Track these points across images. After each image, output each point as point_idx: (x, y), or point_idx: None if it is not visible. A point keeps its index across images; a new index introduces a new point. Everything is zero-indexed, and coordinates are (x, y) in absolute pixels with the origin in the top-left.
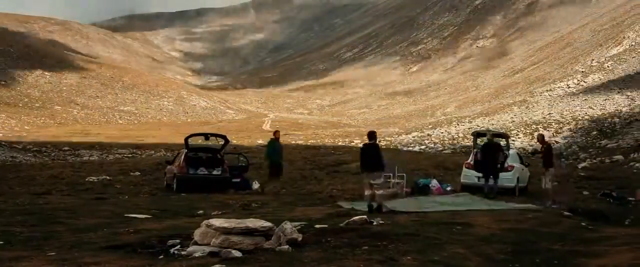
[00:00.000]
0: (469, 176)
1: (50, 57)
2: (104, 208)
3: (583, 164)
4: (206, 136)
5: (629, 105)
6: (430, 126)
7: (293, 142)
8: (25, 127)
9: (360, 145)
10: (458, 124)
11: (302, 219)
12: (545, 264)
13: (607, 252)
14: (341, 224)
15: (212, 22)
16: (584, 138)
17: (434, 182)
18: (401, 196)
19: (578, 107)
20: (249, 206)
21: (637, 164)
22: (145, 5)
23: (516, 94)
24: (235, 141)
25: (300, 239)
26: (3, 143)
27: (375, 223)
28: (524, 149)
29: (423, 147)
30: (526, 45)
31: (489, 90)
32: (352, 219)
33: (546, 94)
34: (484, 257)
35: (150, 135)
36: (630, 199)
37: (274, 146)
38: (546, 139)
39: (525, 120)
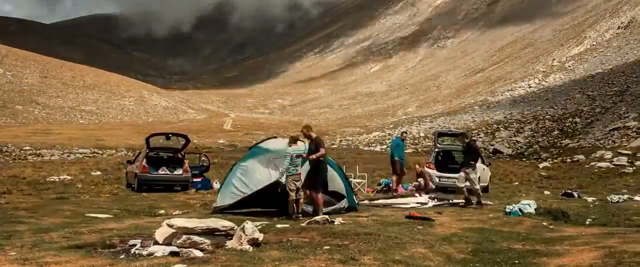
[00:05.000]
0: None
1: (11, 56)
2: (65, 208)
3: (544, 164)
4: (167, 135)
5: (590, 105)
6: (391, 126)
7: (254, 142)
8: None
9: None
10: (419, 124)
11: (263, 219)
12: (506, 264)
13: (567, 251)
14: (302, 224)
15: (174, 22)
16: (545, 138)
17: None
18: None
19: (539, 107)
20: (210, 206)
21: (598, 164)
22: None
23: (477, 94)
24: (196, 141)
25: (261, 238)
26: None
27: (336, 223)
28: (485, 149)
29: (384, 146)
30: (487, 44)
31: (450, 90)
32: (313, 219)
33: (507, 93)
34: (444, 257)
35: (112, 134)
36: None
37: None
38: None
39: (487, 120)
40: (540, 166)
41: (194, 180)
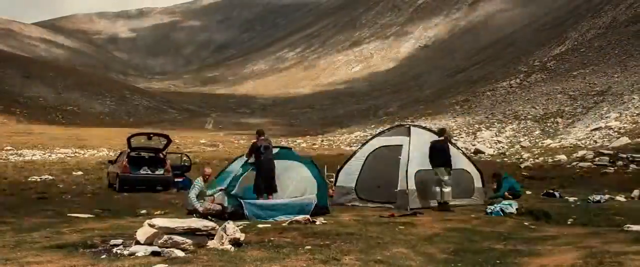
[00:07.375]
0: None
1: None
2: (46, 208)
3: (526, 164)
4: (149, 135)
5: (572, 105)
6: (372, 126)
7: (236, 142)
8: None
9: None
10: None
11: (244, 219)
12: (488, 264)
13: (549, 251)
14: (284, 224)
15: (155, 22)
16: (526, 138)
17: None
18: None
19: (520, 107)
20: None
21: (579, 164)
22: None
23: (459, 94)
24: (178, 141)
25: (242, 238)
26: None
27: (318, 223)
28: (466, 149)
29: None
30: (469, 44)
31: (432, 90)
32: (295, 218)
33: (488, 93)
34: (426, 257)
35: (93, 134)
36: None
37: None
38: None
39: (468, 120)
40: (522, 166)
41: (176, 180)
